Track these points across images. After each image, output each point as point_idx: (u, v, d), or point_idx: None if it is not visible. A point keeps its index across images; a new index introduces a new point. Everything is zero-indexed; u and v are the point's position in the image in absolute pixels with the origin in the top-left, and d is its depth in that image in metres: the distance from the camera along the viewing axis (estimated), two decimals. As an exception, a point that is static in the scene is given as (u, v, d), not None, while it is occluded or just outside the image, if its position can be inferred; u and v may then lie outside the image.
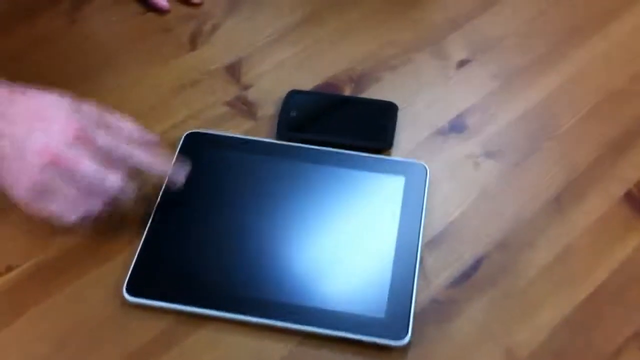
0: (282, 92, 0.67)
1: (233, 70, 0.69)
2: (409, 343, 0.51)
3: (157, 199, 0.58)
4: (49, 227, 0.57)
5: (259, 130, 0.65)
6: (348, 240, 0.56)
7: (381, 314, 0.52)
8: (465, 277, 0.55)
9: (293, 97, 0.66)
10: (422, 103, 0.67)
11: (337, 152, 0.61)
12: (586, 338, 0.52)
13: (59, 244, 0.57)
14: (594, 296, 0.54)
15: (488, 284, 0.55)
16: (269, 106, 0.66)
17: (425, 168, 0.60)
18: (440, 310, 0.54)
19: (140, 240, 0.56)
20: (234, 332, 0.52)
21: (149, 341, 0.52)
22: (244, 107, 0.66)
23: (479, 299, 0.54)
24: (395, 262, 0.55)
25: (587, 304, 0.54)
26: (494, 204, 0.60)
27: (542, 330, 0.52)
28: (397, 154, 0.63)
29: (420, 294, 0.54)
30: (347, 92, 0.68)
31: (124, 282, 0.53)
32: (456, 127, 0.65)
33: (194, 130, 0.63)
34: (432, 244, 0.57)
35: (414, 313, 0.52)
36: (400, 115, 0.65)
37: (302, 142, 0.63)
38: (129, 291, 0.53)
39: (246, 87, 0.68)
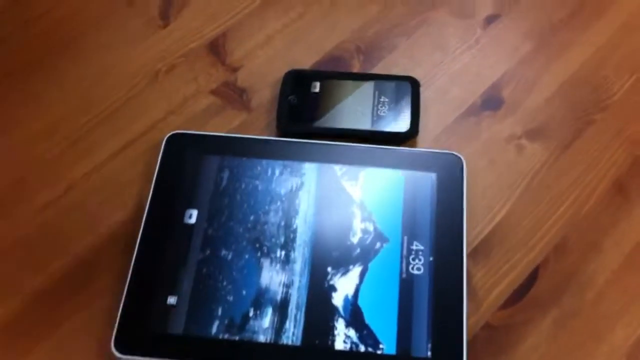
0: (277, 71, 0.55)
1: (216, 49, 0.57)
2: (464, 385, 0.42)
3: (140, 223, 0.48)
4: (14, 271, 0.47)
5: (255, 123, 0.54)
6: (375, 261, 0.46)
7: (426, 353, 0.43)
8: (521, 292, 0.46)
9: (291, 80, 0.54)
10: (447, 75, 0.56)
11: (351, 148, 0.51)
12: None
13: (26, 289, 0.46)
14: (675, 305, 0.45)
15: (548, 299, 0.46)
16: (264, 91, 0.55)
17: (461, 160, 0.50)
18: (495, 338, 0.45)
19: (126, 277, 0.46)
20: (252, 388, 0.43)
21: (149, 407, 0.43)
22: (234, 95, 0.55)
23: (539, 320, 0.45)
24: (437, 282, 0.45)
25: (670, 317, 0.45)
26: (545, 198, 0.50)
27: (617, 355, 0.44)
28: (424, 143, 0.52)
29: (469, 318, 0.44)
30: (356, 67, 0.56)
31: (111, 335, 0.43)
32: (490, 102, 0.54)
33: (176, 132, 0.51)
34: (478, 254, 0.48)
35: (466, 346, 0.43)
36: (422, 92, 0.54)
37: (307, 135, 0.52)
38: (118, 348, 0.43)
39: (234, 69, 0.56)
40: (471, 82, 0.55)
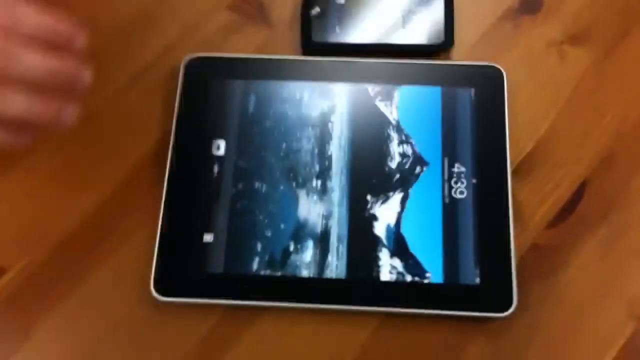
0: (298, -18, 0.51)
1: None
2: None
3: (166, 156, 0.45)
4: (40, 213, 0.45)
5: (278, 41, 0.50)
6: (416, 186, 0.44)
7: (474, 279, 0.42)
8: (568, 210, 0.45)
9: (314, -12, 0.50)
10: (480, -23, 0.51)
11: (382, 65, 0.47)
12: None
13: (54, 233, 0.45)
14: None
15: (596, 217, 0.44)
16: (286, 5, 0.51)
17: (501, 72, 0.47)
18: (542, 259, 0.43)
19: (158, 214, 0.44)
20: (299, 323, 0.42)
21: (196, 346, 0.42)
22: (252, 9, 0.51)
23: (587, 239, 0.44)
24: (482, 205, 0.44)
25: None
26: (590, 107, 0.47)
27: (669, 270, 0.43)
28: (459, 54, 0.49)
29: (516, 240, 0.43)
30: (381, -29, 0.52)
31: (149, 277, 0.42)
32: (528, 4, 0.50)
33: (195, 55, 0.48)
34: (521, 172, 0.46)
35: (515, 270, 0.42)
36: (454, -3, 0.50)
37: (335, 52, 0.49)
38: (158, 290, 0.42)
39: (250, -19, 0.52)
40: (507, -17, 0.51)
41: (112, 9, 0.51)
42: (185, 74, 0.47)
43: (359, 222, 0.44)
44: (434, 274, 0.42)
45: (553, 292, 0.43)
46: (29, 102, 0.37)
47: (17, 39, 0.36)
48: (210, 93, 0.47)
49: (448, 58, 0.49)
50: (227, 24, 0.50)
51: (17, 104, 0.36)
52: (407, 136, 0.46)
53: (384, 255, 0.43)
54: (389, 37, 0.49)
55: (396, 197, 0.44)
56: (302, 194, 0.44)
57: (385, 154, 0.45)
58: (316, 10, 0.49)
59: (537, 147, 0.46)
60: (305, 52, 0.49)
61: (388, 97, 0.47)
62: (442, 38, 0.48)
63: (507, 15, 0.50)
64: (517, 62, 0.48)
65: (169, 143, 0.46)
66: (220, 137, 0.46)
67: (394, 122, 0.46)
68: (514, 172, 0.45)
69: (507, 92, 0.46)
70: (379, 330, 0.42)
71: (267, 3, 0.51)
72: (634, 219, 0.44)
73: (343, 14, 0.49)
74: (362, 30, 0.49)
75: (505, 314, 0.41)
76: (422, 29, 0.49)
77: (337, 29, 0.49)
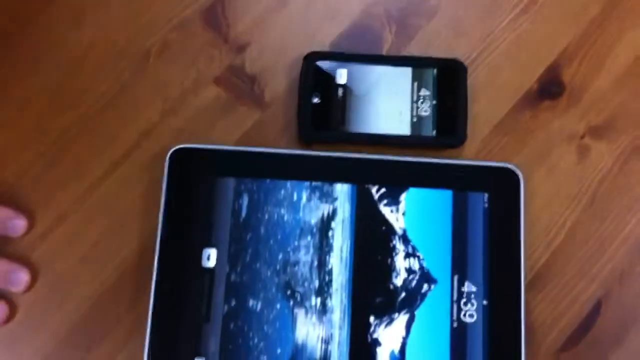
0: (294, 48, 0.46)
1: (214, 19, 0.47)
2: None
3: (151, 261, 0.41)
4: (13, 328, 0.41)
5: (272, 124, 0.45)
6: (423, 307, 0.41)
7: (482, 412, 0.40)
8: (583, 331, 0.42)
9: (312, 69, 0.45)
10: (498, 50, 0.46)
11: (388, 162, 0.43)
12: None
13: (28, 352, 0.41)
14: None
15: (613, 338, 0.42)
16: (280, 78, 0.46)
17: (517, 175, 0.43)
18: (554, 387, 0.41)
19: (144, 333, 0.40)
20: None
21: None
22: (243, 85, 0.46)
23: (601, 364, 0.42)
24: (492, 331, 0.41)
25: None
26: (612, 213, 0.44)
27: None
28: (471, 146, 0.45)
29: (526, 364, 0.41)
30: (388, 41, 0.46)
31: (135, 407, 0.39)
32: (549, 87, 0.46)
33: (181, 147, 0.43)
34: (535, 286, 0.43)
35: (524, 402, 0.40)
36: (469, 75, 0.45)
37: (335, 143, 0.44)
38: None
39: (240, 49, 0.46)
40: (527, 59, 0.46)
41: (91, 83, 0.45)
42: (170, 168, 0.43)
43: (361, 348, 0.41)
44: (440, 409, 0.40)
45: None
46: None
47: None
48: (198, 191, 0.42)
49: (460, 153, 0.44)
50: (215, 101, 0.45)
51: None
52: (414, 248, 0.42)
53: (388, 386, 0.40)
54: (396, 127, 0.44)
55: (401, 320, 0.41)
56: (300, 314, 0.41)
57: (390, 269, 0.42)
58: (315, 96, 0.44)
59: (552, 258, 0.43)
60: (303, 142, 0.44)
61: (394, 202, 0.43)
62: (454, 131, 0.44)
63: (527, 98, 0.45)
64: (534, 158, 0.44)
65: (152, 246, 0.42)
66: (211, 245, 0.42)
67: (400, 232, 0.42)
68: (527, 287, 0.42)
69: (524, 197, 0.42)
70: None
71: (258, 76, 0.46)
72: (650, 343, 0.42)
73: (344, 97, 0.44)
74: (366, 119, 0.44)
75: None
76: (433, 118, 0.44)
77: (337, 116, 0.44)
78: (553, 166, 0.44)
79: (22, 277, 0.41)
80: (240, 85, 0.46)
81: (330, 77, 0.45)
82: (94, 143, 0.44)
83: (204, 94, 0.45)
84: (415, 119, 0.44)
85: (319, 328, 0.41)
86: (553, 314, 0.42)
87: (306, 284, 0.42)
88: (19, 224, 0.42)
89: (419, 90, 0.45)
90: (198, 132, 0.45)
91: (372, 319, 0.41)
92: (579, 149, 0.45)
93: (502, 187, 0.43)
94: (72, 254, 0.43)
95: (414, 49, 0.46)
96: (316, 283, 0.42)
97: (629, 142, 0.45)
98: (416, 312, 0.41)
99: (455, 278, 0.42)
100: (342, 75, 0.45)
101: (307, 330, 0.41)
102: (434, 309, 0.41)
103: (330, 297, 0.41)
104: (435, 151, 0.44)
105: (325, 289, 0.42)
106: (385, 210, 0.43)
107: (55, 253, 0.43)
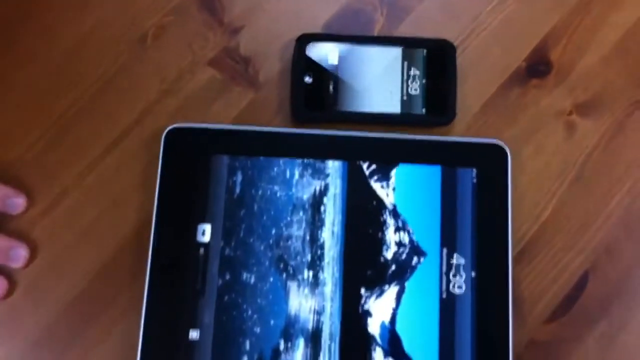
0: (287, 32, 0.47)
1: (209, 3, 0.48)
2: (509, 414, 0.40)
3: (148, 237, 0.42)
4: (15, 304, 0.43)
5: (265, 104, 0.46)
6: (412, 279, 0.42)
7: (471, 381, 0.41)
8: (568, 303, 0.43)
9: (305, 48, 0.46)
10: (487, 31, 0.47)
11: (379, 140, 0.44)
12: None
13: (29, 326, 0.42)
14: None
15: (598, 310, 0.43)
16: (273, 60, 0.47)
17: (504, 151, 0.44)
18: (541, 356, 0.42)
19: (141, 304, 0.41)
20: None
21: None
22: (237, 66, 0.47)
23: (587, 334, 0.42)
24: (480, 302, 0.42)
25: None
26: (597, 188, 0.45)
27: (669, 369, 0.42)
28: (461, 124, 0.46)
29: (514, 335, 0.41)
30: (379, 22, 0.47)
31: (133, 376, 0.41)
32: (537, 67, 0.47)
33: (176, 126, 0.44)
34: (522, 259, 0.44)
35: (512, 371, 0.41)
36: (458, 55, 0.46)
37: (327, 121, 0.45)
38: (143, 392, 0.40)
39: (234, 31, 0.47)
40: (515, 40, 0.47)
41: (90, 66, 0.47)
42: (166, 147, 0.44)
43: (353, 319, 0.42)
44: (429, 377, 0.41)
45: (550, 394, 0.42)
46: None
47: None
48: (193, 169, 0.44)
49: (449, 130, 0.45)
50: (210, 82, 0.47)
51: None
52: (404, 222, 0.43)
53: (378, 355, 0.41)
54: (387, 106, 0.45)
55: (391, 291, 0.42)
56: (292, 287, 0.42)
57: (381, 242, 0.43)
58: (308, 76, 0.45)
59: (540, 231, 0.44)
60: (296, 121, 0.45)
61: (384, 178, 0.44)
62: (444, 109, 0.45)
63: (515, 77, 0.46)
64: (522, 135, 0.45)
65: (150, 222, 0.43)
66: (206, 220, 0.43)
67: (390, 207, 0.43)
68: (515, 259, 0.43)
69: (511, 172, 0.43)
70: None
71: (253, 58, 0.47)
72: (635, 312, 0.43)
73: (336, 78, 0.45)
74: (356, 97, 0.45)
75: (501, 421, 0.40)
76: (423, 96, 0.45)
77: (330, 96, 0.45)
78: (541, 142, 0.45)
79: (21, 253, 0.43)
80: (234, 66, 0.47)
81: (322, 58, 0.46)
82: (94, 123, 0.45)
83: (200, 75, 0.47)
84: (405, 98, 0.45)
85: (311, 300, 0.42)
86: (540, 285, 0.43)
87: (298, 257, 0.43)
88: (18, 202, 0.43)
89: (409, 69, 0.46)
90: (194, 112, 0.46)
91: (363, 291, 0.42)
92: (566, 126, 0.46)
93: (490, 162, 0.44)
94: (72, 230, 0.44)
95: (404, 31, 0.47)
96: (308, 257, 0.43)
97: (614, 118, 0.46)
98: (406, 284, 0.42)
99: (444, 251, 0.43)
100: (333, 56, 0.46)
101: (300, 302, 0.42)
102: (424, 280, 0.42)
103: (322, 270, 0.42)
104: (425, 129, 0.45)
105: (317, 262, 0.43)
106: (375, 185, 0.44)
107: (56, 229, 0.44)
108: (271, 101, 0.46)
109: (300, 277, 0.42)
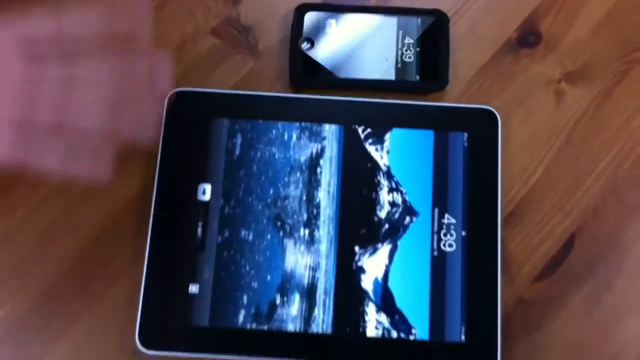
0: (285, 2, 0.48)
1: (212, -26, 0.50)
2: (498, 367, 0.42)
3: (150, 196, 0.44)
4: (22, 260, 0.44)
5: (265, 71, 0.48)
6: (405, 238, 0.44)
7: (460, 337, 0.42)
8: (557, 263, 0.44)
9: (303, 17, 0.48)
10: (478, 4, 0.49)
11: (374, 105, 0.46)
12: None
13: (34, 281, 0.44)
14: None
15: (584, 270, 0.44)
16: (273, 30, 0.49)
17: (495, 116, 0.45)
18: (528, 314, 0.44)
19: (143, 260, 0.43)
20: (284, 376, 0.43)
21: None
22: (239, 35, 0.48)
23: (574, 293, 0.44)
24: (470, 260, 0.43)
25: None
26: (585, 153, 0.46)
27: (653, 326, 0.43)
28: (454, 91, 0.47)
29: (503, 294, 0.43)
30: (375, -6, 0.49)
31: (134, 328, 0.42)
32: (527, 37, 0.48)
33: (180, 89, 0.46)
34: (511, 221, 0.45)
35: (501, 327, 0.42)
36: (451, 26, 0.48)
37: (323, 87, 0.47)
38: (143, 342, 0.42)
39: (236, 1, 0.49)
40: (506, 12, 0.49)
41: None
42: (169, 110, 0.46)
43: (346, 275, 0.43)
44: (420, 331, 0.42)
45: (537, 349, 0.43)
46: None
47: None
48: (195, 131, 0.45)
49: (442, 96, 0.47)
50: (212, 50, 0.48)
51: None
52: (397, 184, 0.45)
53: (371, 310, 0.43)
54: (382, 73, 0.47)
55: (384, 249, 0.44)
56: (289, 244, 0.44)
57: (375, 203, 0.44)
58: (306, 42, 0.47)
59: (529, 194, 0.45)
60: (294, 86, 0.47)
61: (379, 141, 0.45)
62: (437, 76, 0.47)
63: (506, 47, 0.48)
64: (512, 102, 0.47)
65: (153, 182, 0.44)
66: (206, 180, 0.45)
67: (384, 168, 0.45)
68: (504, 221, 0.45)
69: (501, 136, 0.45)
70: (363, 386, 0.42)
71: (253, 28, 0.49)
72: (622, 274, 0.44)
73: (334, 46, 0.47)
74: (353, 65, 0.47)
75: (489, 373, 0.41)
76: (416, 64, 0.47)
77: (328, 63, 0.47)
78: (531, 109, 0.47)
79: None
80: (235, 35, 0.48)
81: (320, 27, 0.47)
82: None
83: (202, 43, 0.48)
84: (399, 65, 0.47)
85: (306, 257, 0.44)
86: (529, 246, 0.45)
87: (295, 216, 0.44)
88: None
89: (403, 38, 0.47)
90: (196, 78, 0.48)
91: (357, 248, 0.44)
92: (555, 93, 0.47)
93: (481, 127, 0.45)
94: (78, 187, 0.45)
95: (399, 2, 0.49)
96: (305, 216, 0.44)
97: (602, 87, 0.47)
98: (399, 242, 0.44)
99: (436, 211, 0.44)
100: (331, 25, 0.48)
101: (296, 259, 0.44)
102: (416, 239, 0.44)
103: (318, 229, 0.44)
104: (419, 95, 0.47)
105: (313, 221, 0.44)
106: (370, 148, 0.45)
107: (64, 186, 0.45)
108: (271, 69, 0.48)
109: (296, 235, 0.44)
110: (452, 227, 0.44)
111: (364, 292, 0.43)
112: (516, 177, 0.46)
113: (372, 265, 0.43)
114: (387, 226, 0.44)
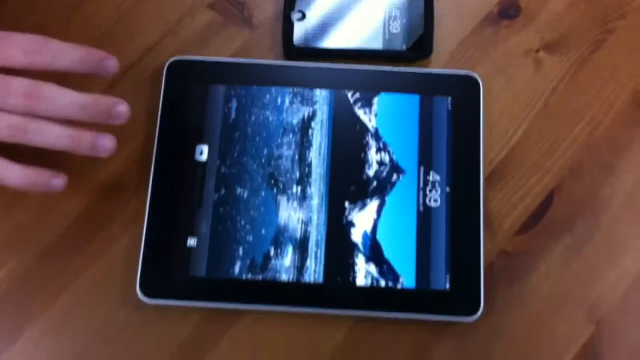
0: (279, -21, 0.51)
1: (209, -47, 0.53)
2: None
3: (150, 159, 0.46)
4: (24, 217, 0.46)
5: (259, 43, 0.51)
6: (392, 194, 0.46)
7: (445, 285, 0.44)
8: (536, 218, 0.47)
9: (296, -8, 0.51)
10: (461, -21, 0.52)
11: (363, 71, 0.48)
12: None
13: (38, 238, 0.46)
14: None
15: (563, 225, 0.47)
16: (266, 4, 0.51)
17: (477, 81, 0.48)
18: (510, 265, 0.46)
19: (144, 216, 0.45)
20: (275, 325, 0.45)
21: (178, 347, 0.44)
22: (234, 9, 0.51)
23: (553, 246, 0.46)
24: (454, 214, 0.46)
25: (679, 238, 0.46)
26: (562, 117, 0.49)
27: (627, 278, 0.45)
28: (438, 60, 0.50)
29: (485, 247, 0.45)
30: (363, -29, 0.52)
31: (135, 279, 0.44)
32: (507, 10, 0.51)
33: (177, 58, 0.49)
34: (493, 179, 0.47)
35: (483, 276, 0.44)
36: (436, 2, 0.51)
37: (315, 56, 0.49)
38: (144, 292, 0.44)
39: (231, -22, 0.52)
40: (487, -13, 0.52)
41: (95, 9, 0.51)
42: (168, 77, 0.48)
43: (337, 229, 0.46)
44: (407, 280, 0.44)
45: (518, 297, 0.45)
46: (64, 133, 0.42)
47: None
48: (192, 97, 0.48)
49: (427, 65, 0.50)
50: (209, 24, 0.51)
51: (52, 134, 0.42)
52: (384, 144, 0.47)
53: (360, 261, 0.45)
54: (370, 42, 0.50)
55: (373, 204, 0.46)
56: (282, 200, 0.46)
57: (363, 162, 0.47)
58: (298, 14, 0.50)
59: (509, 155, 0.48)
60: (287, 56, 0.50)
61: (367, 104, 0.48)
62: (422, 45, 0.49)
63: (488, 19, 0.51)
64: (494, 69, 0.50)
65: (153, 145, 0.47)
66: (203, 142, 0.47)
67: (372, 130, 0.47)
68: (486, 180, 0.47)
69: (483, 100, 0.48)
70: (352, 332, 0.44)
71: (248, 2, 0.51)
72: (599, 229, 0.46)
73: (325, 17, 0.50)
74: (343, 35, 0.50)
75: (473, 318, 0.43)
76: (403, 34, 0.50)
77: (319, 34, 0.50)
78: (511, 76, 0.50)
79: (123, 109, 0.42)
80: (231, 9, 0.51)
81: (311, 0, 0.50)
82: (101, 58, 0.50)
83: (200, 17, 0.51)
84: (387, 36, 0.50)
85: (299, 212, 0.46)
86: (510, 202, 0.47)
87: (288, 174, 0.47)
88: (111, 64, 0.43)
89: (391, 10, 0.50)
90: (194, 49, 0.50)
91: (347, 204, 0.46)
92: (534, 62, 0.50)
93: (464, 91, 0.48)
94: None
95: (386, -21, 0.52)
96: (297, 174, 0.47)
97: (578, 56, 0.50)
98: (386, 198, 0.46)
99: (422, 169, 0.47)
100: (321, -1, 0.51)
101: (289, 214, 0.46)
102: (402, 195, 0.46)
103: (310, 186, 0.46)
104: (405, 63, 0.49)
105: (305, 179, 0.47)
106: (359, 112, 0.48)
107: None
108: (264, 40, 0.51)
109: (289, 191, 0.46)
110: (436, 184, 0.46)
111: (353, 244, 0.45)
112: (498, 138, 0.48)
113: (361, 220, 0.46)
114: (375, 183, 0.46)
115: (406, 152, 0.47)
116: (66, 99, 0.41)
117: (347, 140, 0.47)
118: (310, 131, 0.47)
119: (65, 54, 0.42)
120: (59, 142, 0.42)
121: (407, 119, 0.48)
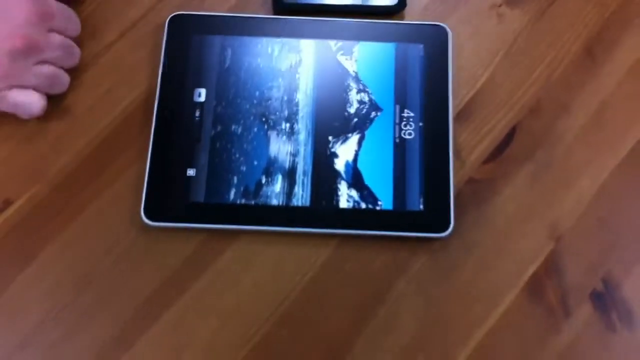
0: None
1: None
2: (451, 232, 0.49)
3: (153, 103, 0.52)
4: (42, 152, 0.51)
5: (250, 1, 0.56)
6: (371, 129, 0.51)
7: (419, 206, 0.49)
8: (501, 149, 0.52)
9: (283, -45, 0.56)
10: (431, -56, 0.58)
11: (344, 23, 0.54)
12: (629, 203, 0.51)
13: (55, 170, 0.51)
14: (633, 155, 0.52)
15: (524, 155, 0.52)
16: (257, -32, 0.57)
17: (446, 31, 0.54)
18: (478, 190, 0.51)
19: (148, 152, 0.50)
20: (269, 244, 0.49)
21: (180, 264, 0.49)
22: (228, -28, 0.57)
23: (517, 173, 0.51)
24: (426, 145, 0.51)
25: (626, 167, 0.52)
26: (523, 63, 0.54)
27: (583, 199, 0.51)
28: (413, 14, 0.56)
29: (455, 174, 0.50)
30: (344, -61, 0.58)
31: (140, 205, 0.49)
32: (473, -29, 0.57)
33: (177, 13, 0.54)
34: (462, 116, 0.53)
35: (453, 198, 0.49)
36: (408, -37, 0.57)
37: (303, 11, 0.55)
38: (148, 216, 0.49)
39: (225, -55, 0.58)
40: (455, -49, 0.58)
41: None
42: (169, 30, 0.54)
43: (322, 159, 0.51)
44: (385, 202, 0.50)
45: (485, 217, 0.50)
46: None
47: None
48: (191, 47, 0.53)
49: (402, 18, 0.55)
50: (206, -15, 0.57)
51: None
52: (364, 86, 0.53)
53: (343, 187, 0.50)
54: (350, 0, 0.55)
55: (354, 138, 0.51)
56: (272, 135, 0.51)
57: (345, 101, 0.52)
58: (285, -26, 0.56)
59: (476, 96, 0.53)
60: (276, 11, 0.55)
61: (348, 52, 0.53)
62: (396, 0, 0.55)
63: (455, -20, 0.57)
64: (462, 21, 0.55)
65: (156, 91, 0.52)
66: (202, 86, 0.52)
67: (353, 74, 0.53)
68: (455, 117, 0.52)
69: (452, 48, 0.53)
70: (337, 249, 0.49)
71: (242, -34, 0.57)
72: (556, 157, 0.52)
73: (309, -23, 0.56)
74: (326, -8, 0.56)
75: (444, 234, 0.49)
76: (379, -9, 0.56)
77: (304, -9, 0.55)
78: (477, 27, 0.55)
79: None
80: (225, -27, 0.57)
81: (297, -36, 0.56)
82: (108, 15, 0.55)
83: (197, -21, 0.57)
84: (365, -7, 0.56)
85: (288, 145, 0.51)
86: (477, 136, 0.52)
87: (278, 113, 0.52)
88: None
89: (368, -29, 0.56)
90: (191, 7, 0.56)
91: (330, 137, 0.51)
92: (497, 15, 0.56)
93: (434, 40, 0.54)
94: (92, 94, 0.53)
95: (365, -55, 0.58)
96: (286, 112, 0.52)
97: (537, 9, 0.56)
98: (366, 132, 0.51)
99: (397, 107, 0.52)
100: (306, -38, 0.56)
101: (279, 147, 0.51)
102: (380, 129, 0.51)
103: (297, 123, 0.52)
104: (382, 16, 0.55)
105: (293, 116, 0.52)
106: (341, 58, 0.53)
107: (79, 95, 0.53)
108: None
109: (279, 127, 0.51)
110: (411, 119, 0.52)
111: (337, 172, 0.50)
112: (466, 81, 0.54)
113: (344, 151, 0.51)
114: (356, 119, 0.52)
115: (384, 93, 0.52)
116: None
117: (331, 83, 0.53)
118: (297, 76, 0.53)
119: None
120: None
121: (384, 64, 0.53)
